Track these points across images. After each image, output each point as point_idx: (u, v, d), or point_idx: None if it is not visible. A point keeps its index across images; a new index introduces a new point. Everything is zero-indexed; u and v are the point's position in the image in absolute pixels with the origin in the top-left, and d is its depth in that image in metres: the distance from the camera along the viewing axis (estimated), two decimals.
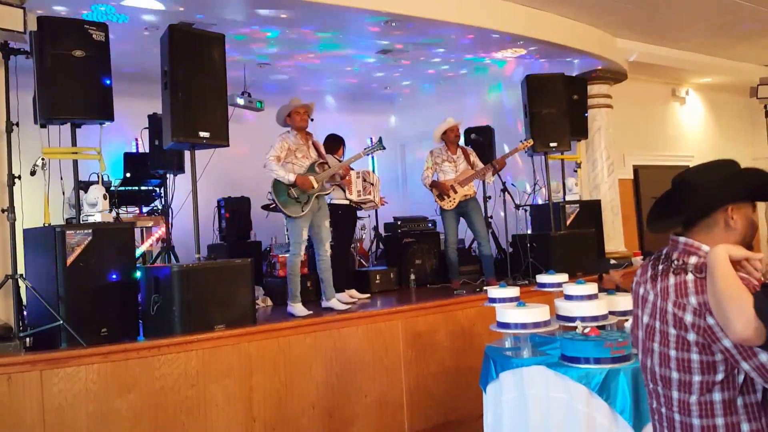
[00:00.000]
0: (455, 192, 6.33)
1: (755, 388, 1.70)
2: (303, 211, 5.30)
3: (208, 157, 5.29)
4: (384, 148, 5.83)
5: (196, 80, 4.65)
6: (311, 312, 5.11)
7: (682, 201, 1.84)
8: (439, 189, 6.36)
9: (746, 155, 10.44)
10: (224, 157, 5.84)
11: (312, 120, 5.55)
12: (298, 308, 5.16)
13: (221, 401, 4.16)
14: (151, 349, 3.98)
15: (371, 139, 9.47)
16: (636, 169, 9.21)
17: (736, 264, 1.66)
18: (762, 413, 1.70)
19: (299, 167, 5.39)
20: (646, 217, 1.98)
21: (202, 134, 4.63)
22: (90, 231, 4.17)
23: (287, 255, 5.45)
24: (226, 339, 4.28)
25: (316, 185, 5.35)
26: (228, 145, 4.88)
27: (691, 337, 1.71)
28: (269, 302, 6.10)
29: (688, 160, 9.92)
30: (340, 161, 6.11)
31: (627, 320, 3.55)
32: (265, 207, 7.11)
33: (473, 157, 6.54)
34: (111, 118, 4.43)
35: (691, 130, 10.29)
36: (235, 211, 7.33)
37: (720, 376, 1.69)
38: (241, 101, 7.25)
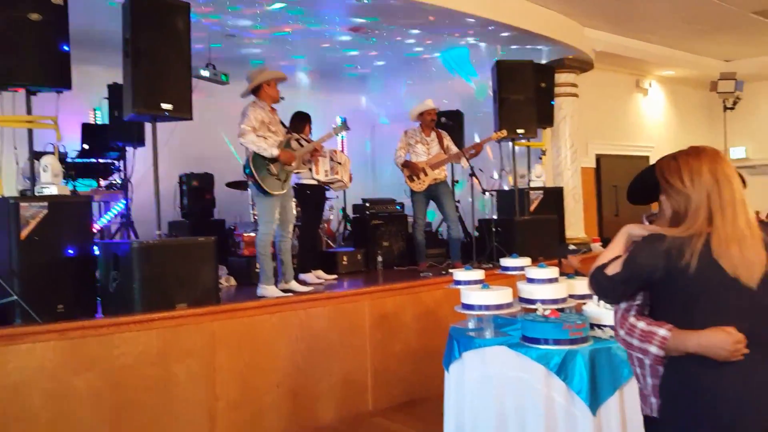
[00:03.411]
0: (426, 174, 6.33)
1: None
2: (283, 189, 5.09)
3: (170, 131, 5.15)
4: (348, 129, 5.76)
5: (160, 50, 4.47)
6: (290, 293, 4.99)
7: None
8: (411, 170, 6.35)
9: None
10: (187, 132, 5.71)
11: (283, 99, 5.30)
12: (271, 290, 4.97)
13: (183, 380, 4.10)
14: (111, 326, 3.89)
15: (343, 119, 9.40)
16: (598, 158, 9.38)
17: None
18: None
19: (273, 142, 5.09)
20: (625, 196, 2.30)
21: (165, 106, 4.46)
22: (45, 204, 4.03)
23: (254, 234, 5.31)
24: (189, 318, 4.21)
25: (295, 162, 5.22)
26: (191, 119, 4.71)
27: None
28: (233, 282, 6.02)
29: (648, 150, 10.15)
30: (306, 140, 6.03)
31: (585, 303, 3.63)
32: (231, 184, 7.01)
33: (447, 141, 6.54)
34: (69, 86, 4.25)
35: (653, 122, 10.51)
36: (197, 188, 7.20)
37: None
38: (205, 73, 7.04)
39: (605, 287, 1.99)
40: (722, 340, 1.77)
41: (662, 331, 1.88)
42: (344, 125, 5.70)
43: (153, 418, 3.97)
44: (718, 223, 1.82)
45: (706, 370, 1.81)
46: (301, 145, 5.41)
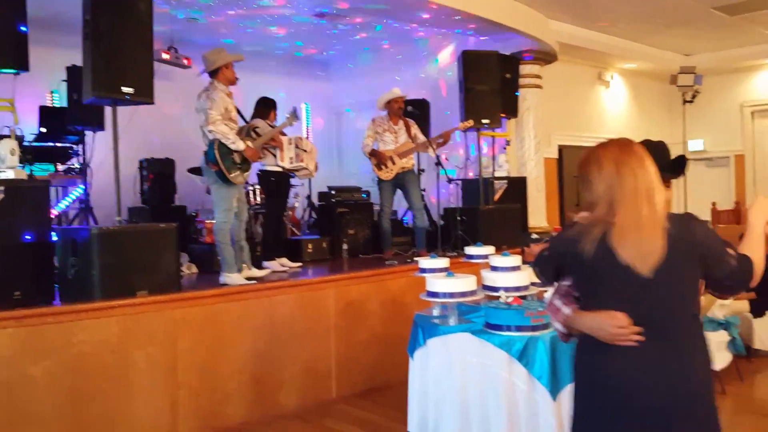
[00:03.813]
0: (393, 163, 6.34)
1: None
2: (245, 179, 5.10)
3: (131, 115, 5.04)
4: (297, 119, 5.73)
5: (120, 32, 4.37)
6: (254, 281, 4.94)
7: None
8: (378, 158, 6.35)
9: (663, 139, 10.92)
10: (148, 116, 5.60)
11: (238, 79, 5.18)
12: (234, 278, 4.92)
13: (144, 368, 4.05)
14: (69, 314, 3.82)
15: (307, 105, 9.34)
16: (560, 149, 9.51)
17: None
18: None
19: (232, 129, 5.04)
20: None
21: (125, 90, 4.36)
22: (1, 188, 3.92)
23: (214, 221, 5.25)
24: (150, 305, 4.15)
25: (255, 156, 5.18)
26: (153, 103, 4.63)
27: None
28: (194, 269, 5.95)
29: None
30: (271, 126, 5.97)
31: (546, 291, 3.70)
32: (192, 170, 6.90)
33: (415, 130, 6.55)
34: (26, 68, 4.15)
35: (614, 113, 10.70)
36: (158, 174, 7.08)
37: None
38: (167, 57, 6.92)
39: (534, 269, 2.20)
40: (604, 323, 1.87)
41: (566, 310, 2.03)
42: (293, 115, 5.66)
43: (113, 407, 3.92)
44: (618, 213, 1.87)
45: (600, 353, 1.92)
46: (258, 135, 5.35)
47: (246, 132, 5.15)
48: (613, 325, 1.85)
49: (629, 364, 1.86)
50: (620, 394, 1.87)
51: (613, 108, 10.71)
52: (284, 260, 6.00)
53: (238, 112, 5.35)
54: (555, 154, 9.41)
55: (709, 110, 11.18)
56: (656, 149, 2.16)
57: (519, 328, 3.24)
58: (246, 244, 5.32)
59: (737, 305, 5.12)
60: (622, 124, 10.71)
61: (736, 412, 4.08)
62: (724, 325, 4.70)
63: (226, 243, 5.04)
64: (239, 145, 4.96)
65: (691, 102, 11.23)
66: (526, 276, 3.66)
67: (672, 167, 2.11)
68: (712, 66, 10.60)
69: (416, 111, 7.73)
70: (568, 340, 2.06)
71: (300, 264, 6.16)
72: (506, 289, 3.54)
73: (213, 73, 5.01)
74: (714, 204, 10.42)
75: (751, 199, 10.77)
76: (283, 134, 6.12)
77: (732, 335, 4.68)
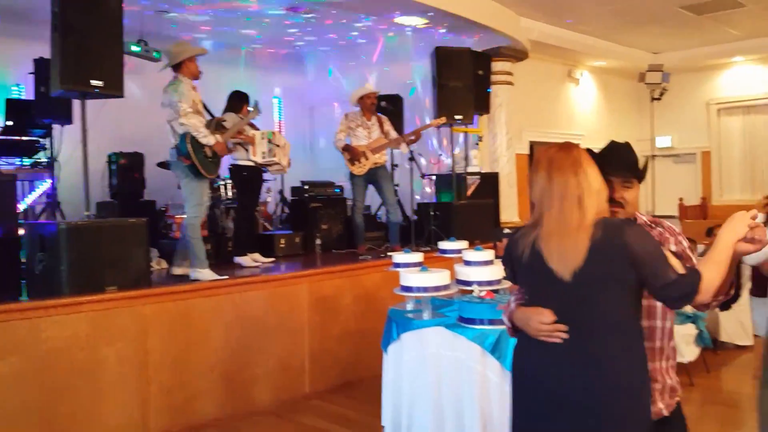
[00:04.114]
0: (366, 159, 6.34)
1: None
2: (216, 172, 5.07)
3: (99, 108, 4.94)
4: (260, 112, 5.70)
5: (90, 24, 4.30)
6: (225, 276, 4.89)
7: None
8: (351, 154, 6.34)
9: (631, 136, 11.14)
10: (117, 109, 5.50)
11: (202, 73, 5.14)
12: (206, 273, 4.86)
13: (114, 364, 3.99)
14: (37, 309, 3.74)
15: (278, 99, 9.27)
16: (532, 145, 9.60)
17: None
18: None
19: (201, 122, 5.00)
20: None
21: (95, 83, 4.29)
22: None
23: (185, 216, 5.18)
24: (119, 301, 4.10)
25: (226, 148, 5.15)
26: (122, 96, 4.56)
27: None
28: (164, 264, 5.87)
29: (579, 138, 10.46)
30: (242, 117, 5.90)
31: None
32: (162, 164, 6.81)
33: (387, 126, 6.56)
34: None
35: (584, 110, 10.84)
36: (127, 168, 6.97)
37: None
38: (136, 49, 6.81)
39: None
40: (530, 318, 1.95)
41: (512, 305, 2.10)
42: (256, 108, 5.64)
43: (83, 404, 3.86)
44: (545, 217, 1.92)
45: (525, 347, 2.02)
46: (225, 129, 5.29)
47: (215, 125, 5.10)
48: (537, 321, 1.92)
49: (545, 359, 1.92)
50: (534, 386, 1.95)
51: (583, 105, 10.85)
52: (256, 255, 5.97)
53: (205, 107, 5.29)
54: (526, 150, 9.51)
55: (676, 107, 11.39)
56: (620, 150, 2.17)
57: (492, 322, 3.27)
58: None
59: None
60: (591, 121, 10.86)
61: (703, 403, 4.17)
62: (692, 318, 4.80)
63: (197, 238, 5.00)
64: (210, 139, 4.92)
65: (658, 99, 11.43)
66: (499, 270, 3.70)
67: (636, 169, 2.12)
68: (680, 64, 10.81)
69: (389, 106, 7.74)
70: (514, 335, 2.10)
71: (272, 259, 6.13)
72: (479, 283, 3.57)
73: (176, 67, 4.96)
74: (681, 199, 10.65)
75: (717, 195, 11.04)
76: (256, 128, 6.09)
77: (699, 328, 4.78)
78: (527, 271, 1.99)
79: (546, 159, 1.97)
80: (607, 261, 1.83)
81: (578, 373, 1.86)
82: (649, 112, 11.61)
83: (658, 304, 2.04)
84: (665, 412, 2.08)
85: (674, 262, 1.83)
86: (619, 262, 1.83)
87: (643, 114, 11.69)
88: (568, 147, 1.98)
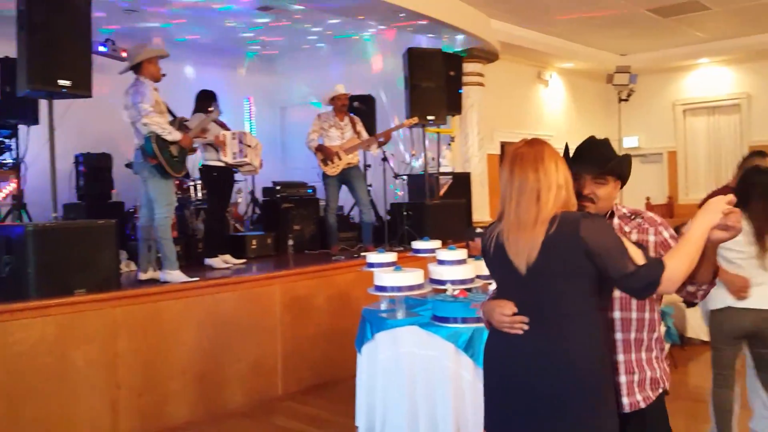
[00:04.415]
0: (339, 159, 6.33)
1: None
2: (183, 171, 5.05)
3: (66, 108, 4.86)
4: (220, 113, 5.70)
5: (57, 23, 4.23)
6: (196, 278, 4.83)
7: None
8: (324, 154, 6.32)
9: (599, 136, 11.31)
10: (84, 110, 5.42)
11: (164, 75, 5.10)
12: (176, 275, 4.82)
13: (83, 368, 3.93)
14: (4, 313, 3.67)
15: (248, 99, 9.21)
16: (503, 145, 9.68)
17: None
18: None
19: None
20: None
21: (62, 82, 4.22)
22: None
23: (155, 217, 5.11)
24: (88, 304, 4.04)
25: (192, 142, 5.11)
26: (91, 96, 4.50)
27: None
28: (133, 266, 5.79)
29: (548, 139, 10.55)
30: (215, 122, 5.86)
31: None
32: (129, 165, 6.71)
33: (360, 127, 6.57)
34: None
35: (553, 111, 10.97)
36: (94, 168, 6.86)
37: None
38: (104, 49, 6.71)
39: None
40: (493, 310, 2.00)
41: (486, 299, 2.16)
42: (216, 108, 5.66)
43: (51, 408, 3.79)
44: (506, 211, 1.96)
45: (491, 338, 2.07)
46: (188, 128, 5.25)
47: (178, 125, 5.07)
48: (499, 313, 1.96)
49: (510, 350, 1.97)
50: (500, 377, 2.01)
51: (553, 106, 10.98)
52: (227, 257, 5.92)
53: (169, 110, 5.24)
54: (497, 150, 9.58)
55: (643, 108, 11.60)
56: (595, 146, 2.19)
57: (465, 320, 3.29)
58: (154, 244, 5.19)
59: (671, 296, 5.33)
60: (560, 122, 10.99)
61: (671, 398, 4.25)
62: (660, 315, 4.89)
63: (167, 239, 4.96)
64: (175, 135, 4.90)
65: (626, 100, 11.63)
66: (472, 269, 3.73)
67: (609, 165, 2.12)
68: (647, 66, 11.01)
69: (362, 107, 7.74)
70: (489, 327, 2.13)
71: (244, 261, 6.08)
72: (453, 282, 3.59)
73: (136, 69, 4.92)
74: (648, 199, 10.85)
75: (683, 194, 11.27)
76: (227, 128, 6.04)
77: (667, 325, 4.88)
78: (494, 263, 2.04)
79: (511, 154, 2.01)
80: (561, 255, 1.86)
81: (538, 364, 1.90)
82: (617, 113, 11.80)
83: None
84: (642, 404, 2.06)
85: (634, 253, 1.83)
86: (574, 255, 1.84)
87: (610, 115, 11.87)
88: (532, 142, 2.00)
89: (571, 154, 2.18)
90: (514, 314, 1.93)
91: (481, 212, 8.36)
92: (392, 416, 3.55)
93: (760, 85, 10.53)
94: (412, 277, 3.60)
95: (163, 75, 5.03)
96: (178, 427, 4.36)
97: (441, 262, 3.78)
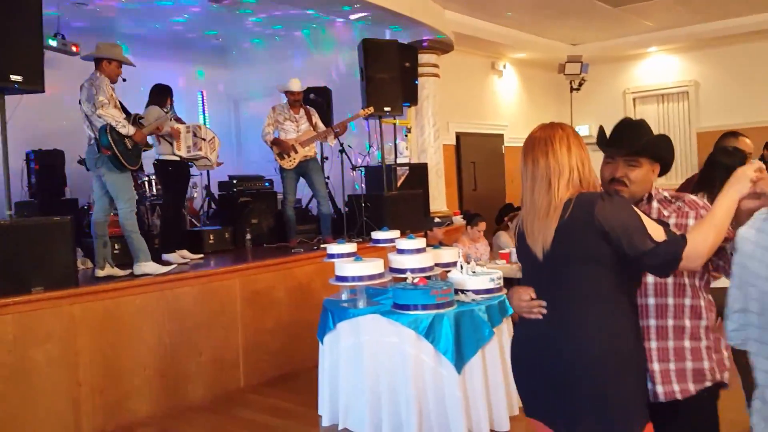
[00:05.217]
0: (296, 152, 6.33)
1: None
2: (138, 164, 5.04)
3: (15, 105, 4.75)
4: (174, 115, 5.72)
5: (6, 16, 4.13)
6: (174, 265, 4.89)
7: None
8: (281, 147, 6.32)
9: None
10: (34, 105, 5.29)
11: (125, 80, 5.10)
12: (152, 266, 4.83)
13: (43, 367, 3.89)
14: None
15: (201, 93, 9.11)
16: (458, 136, 9.82)
17: None
18: None
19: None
20: None
21: (14, 78, 4.14)
22: None
23: (119, 213, 5.04)
24: (46, 301, 3.99)
25: (145, 137, 5.10)
26: (44, 91, 4.42)
27: None
28: (89, 264, 5.70)
29: (503, 128, 10.79)
30: (168, 114, 5.80)
31: (450, 271, 3.89)
32: (82, 161, 6.59)
33: (315, 119, 6.57)
34: None
35: (507, 101, 11.15)
36: (46, 166, 6.72)
37: None
38: (53, 43, 6.54)
39: None
40: (513, 296, 2.05)
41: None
42: (171, 109, 5.68)
43: (11, 408, 3.74)
44: (523, 198, 2.01)
45: (519, 325, 2.09)
46: (142, 125, 5.21)
47: (132, 122, 5.02)
48: (517, 298, 2.01)
49: (531, 334, 2.01)
50: (525, 361, 2.04)
51: (507, 96, 11.16)
52: (184, 252, 5.87)
53: (124, 108, 5.18)
54: (453, 141, 9.72)
55: (594, 97, 11.87)
56: (627, 128, 2.12)
57: (425, 307, 3.39)
58: (109, 240, 5.17)
59: None
60: (514, 112, 11.19)
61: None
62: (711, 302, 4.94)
63: (135, 232, 4.96)
64: (129, 129, 4.89)
65: (578, 90, 11.87)
66: (431, 257, 3.82)
67: (640, 147, 2.01)
68: (598, 55, 11.26)
69: (319, 98, 7.75)
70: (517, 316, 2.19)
71: (201, 256, 6.04)
72: (413, 271, 3.68)
73: (97, 64, 4.90)
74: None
75: None
76: (182, 122, 5.98)
77: None
78: (519, 250, 2.06)
79: (527, 140, 2.01)
80: (577, 239, 1.85)
81: (557, 348, 1.90)
82: (569, 102, 12.05)
83: (669, 281, 1.96)
84: (678, 396, 1.94)
85: (653, 230, 1.79)
86: (590, 238, 1.83)
87: (563, 104, 12.12)
88: (545, 127, 2.00)
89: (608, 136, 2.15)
90: (532, 299, 1.95)
91: (438, 202, 8.48)
92: (355, 403, 3.63)
93: (707, 73, 10.88)
94: (372, 266, 3.67)
95: (124, 80, 5.03)
96: (141, 422, 4.34)
97: (401, 251, 3.86)
